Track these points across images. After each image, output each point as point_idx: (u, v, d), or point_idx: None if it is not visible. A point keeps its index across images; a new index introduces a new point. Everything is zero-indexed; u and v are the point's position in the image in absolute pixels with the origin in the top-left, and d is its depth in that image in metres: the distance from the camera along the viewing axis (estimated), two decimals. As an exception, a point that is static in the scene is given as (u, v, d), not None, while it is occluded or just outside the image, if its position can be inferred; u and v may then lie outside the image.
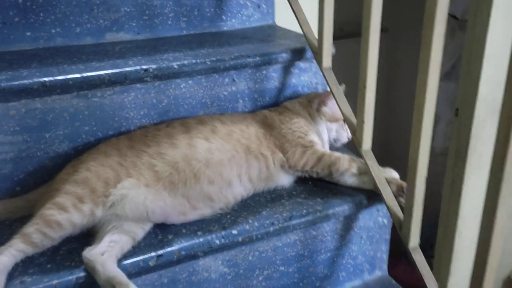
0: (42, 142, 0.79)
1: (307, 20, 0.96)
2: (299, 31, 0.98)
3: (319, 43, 0.89)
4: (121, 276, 0.61)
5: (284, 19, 1.18)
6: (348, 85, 0.92)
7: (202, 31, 1.09)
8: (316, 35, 0.91)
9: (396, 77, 1.94)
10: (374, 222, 0.86)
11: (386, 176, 0.80)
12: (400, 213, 0.75)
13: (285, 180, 0.84)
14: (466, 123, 0.53)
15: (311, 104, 0.93)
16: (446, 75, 1.90)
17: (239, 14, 1.12)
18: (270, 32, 1.11)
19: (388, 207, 0.77)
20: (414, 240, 0.74)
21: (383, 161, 0.82)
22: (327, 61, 0.90)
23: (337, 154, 0.84)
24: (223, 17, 1.11)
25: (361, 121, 0.80)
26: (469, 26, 0.50)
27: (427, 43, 0.58)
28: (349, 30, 1.77)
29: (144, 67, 0.81)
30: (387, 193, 0.79)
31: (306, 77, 1.00)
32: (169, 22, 1.05)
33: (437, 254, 0.64)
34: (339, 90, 0.88)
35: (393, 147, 1.96)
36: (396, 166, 0.84)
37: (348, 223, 0.83)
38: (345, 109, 0.86)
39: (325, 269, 0.85)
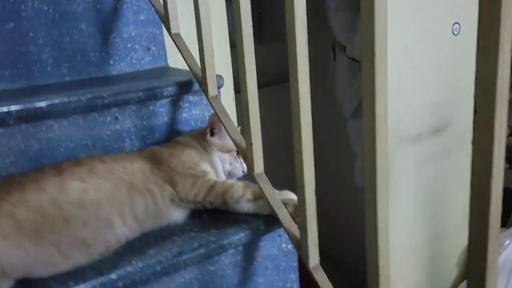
0: None
1: (191, 54, 0.95)
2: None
3: (203, 73, 0.88)
4: None
5: (179, 60, 1.17)
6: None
7: (88, 76, 1.04)
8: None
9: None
10: (277, 250, 0.81)
11: (282, 198, 0.77)
12: (298, 233, 0.71)
13: (177, 215, 0.78)
14: (371, 155, 0.49)
15: (203, 135, 0.89)
16: (354, 113, 1.99)
17: (128, 58, 1.09)
18: (161, 72, 1.09)
19: (285, 229, 0.73)
20: (313, 259, 0.70)
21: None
22: (212, 89, 0.88)
23: (230, 181, 0.80)
24: (111, 61, 1.07)
25: (249, 144, 0.78)
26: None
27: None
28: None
29: (4, 109, 0.74)
30: (283, 215, 0.75)
31: (198, 110, 0.97)
32: (49, 69, 0.99)
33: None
34: (228, 117, 0.86)
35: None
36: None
37: (249, 252, 0.78)
38: (234, 135, 0.83)
39: (231, 309, 0.77)
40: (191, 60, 0.94)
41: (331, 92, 2.18)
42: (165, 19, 0.99)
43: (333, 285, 0.67)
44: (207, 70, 0.87)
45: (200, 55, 0.87)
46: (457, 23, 1.91)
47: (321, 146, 2.27)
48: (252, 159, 0.78)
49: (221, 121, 0.85)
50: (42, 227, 0.63)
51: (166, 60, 1.16)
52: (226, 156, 0.88)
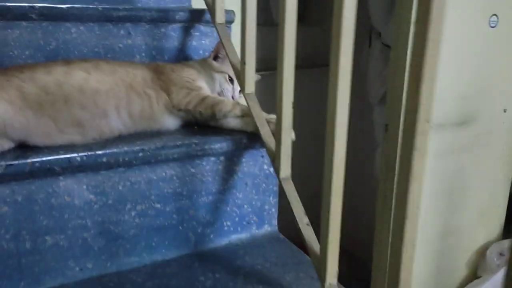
0: None
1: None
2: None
3: (213, 1, 0.93)
4: None
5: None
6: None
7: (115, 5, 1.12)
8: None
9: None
10: (259, 170, 0.86)
11: (267, 117, 0.82)
12: (274, 147, 0.76)
13: (169, 122, 0.84)
14: (394, 136, 0.50)
15: (205, 60, 0.95)
16: (381, 100, 1.99)
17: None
18: (179, 6, 1.15)
19: (265, 143, 0.78)
20: (285, 170, 0.74)
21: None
22: (220, 17, 0.93)
23: (221, 97, 0.85)
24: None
25: (243, 64, 0.83)
26: (392, 49, 0.50)
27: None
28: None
29: (29, 4, 0.82)
30: (265, 132, 0.80)
31: (208, 41, 1.03)
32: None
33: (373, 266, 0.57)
34: (230, 43, 0.91)
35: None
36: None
37: (230, 165, 0.83)
38: (232, 58, 0.89)
39: (208, 214, 0.83)
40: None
41: (360, 80, 2.19)
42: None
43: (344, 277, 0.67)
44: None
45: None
46: (495, 15, 1.87)
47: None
48: (244, 78, 0.83)
49: (223, 46, 0.90)
50: (44, 102, 0.71)
51: (190, 2, 1.21)
52: (221, 78, 0.93)
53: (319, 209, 0.62)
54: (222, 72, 0.92)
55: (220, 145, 0.79)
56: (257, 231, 0.89)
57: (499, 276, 2.08)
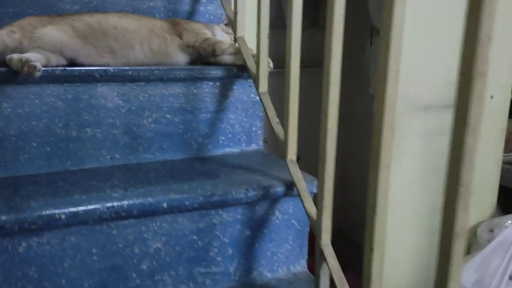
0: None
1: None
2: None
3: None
4: (30, 56, 0.85)
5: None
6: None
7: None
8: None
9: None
10: (247, 97, 1.11)
11: (252, 53, 1.07)
12: (255, 70, 1.01)
13: (181, 57, 1.11)
14: (380, 117, 0.56)
15: (212, 23, 1.21)
16: None
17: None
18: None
19: (249, 69, 1.03)
20: (263, 87, 0.99)
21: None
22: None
23: (220, 39, 1.12)
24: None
25: (235, 13, 1.09)
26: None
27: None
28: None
29: (79, -31, 1.11)
30: (250, 62, 1.05)
31: (212, 7, 1.30)
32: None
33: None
34: (229, 2, 1.18)
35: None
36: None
37: (224, 91, 1.08)
38: (227, 9, 1.15)
39: (206, 128, 1.08)
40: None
41: (365, 75, 2.43)
42: None
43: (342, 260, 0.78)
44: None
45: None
46: None
47: (350, 125, 2.52)
48: (236, 25, 1.09)
49: (222, 4, 1.17)
50: (89, 34, 0.99)
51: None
52: (224, 34, 1.19)
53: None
54: (228, 33, 1.18)
55: (215, 72, 1.05)
56: (246, 148, 1.13)
57: (488, 250, 2.24)
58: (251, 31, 1.07)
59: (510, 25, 2.16)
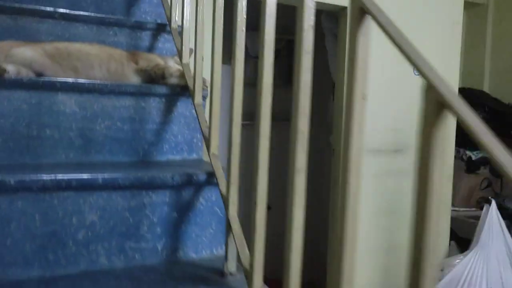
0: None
1: (169, 4, 1.54)
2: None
3: (170, 11, 1.46)
4: (3, 64, 1.05)
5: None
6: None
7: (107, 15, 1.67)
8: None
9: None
10: (189, 112, 1.31)
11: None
12: (192, 86, 1.22)
13: (134, 79, 1.32)
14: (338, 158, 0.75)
15: (168, 56, 1.45)
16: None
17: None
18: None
19: (189, 88, 1.24)
20: (198, 98, 1.20)
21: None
22: (174, 22, 1.45)
23: (168, 64, 1.34)
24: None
25: (181, 45, 1.32)
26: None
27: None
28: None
29: (54, 9, 1.35)
30: (191, 83, 1.26)
31: (168, 45, 1.54)
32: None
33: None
34: (178, 38, 1.42)
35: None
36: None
37: (169, 106, 1.28)
38: (177, 44, 1.39)
39: (152, 137, 1.26)
40: (166, 4, 1.52)
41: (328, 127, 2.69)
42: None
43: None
44: (172, 10, 1.45)
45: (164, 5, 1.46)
46: None
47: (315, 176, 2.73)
48: (182, 55, 1.32)
49: (174, 39, 1.41)
50: (56, 54, 1.21)
51: (161, 17, 1.76)
52: (176, 64, 1.42)
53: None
54: (179, 64, 1.41)
55: (161, 89, 1.26)
56: (187, 156, 1.31)
57: (438, 288, 2.35)
58: (207, 61, 1.28)
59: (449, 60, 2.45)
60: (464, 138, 2.90)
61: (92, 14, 1.41)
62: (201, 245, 1.08)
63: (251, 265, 0.82)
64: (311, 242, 2.85)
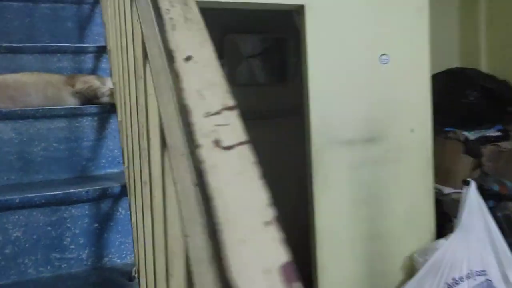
0: None
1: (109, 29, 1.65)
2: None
3: (108, 33, 1.56)
4: None
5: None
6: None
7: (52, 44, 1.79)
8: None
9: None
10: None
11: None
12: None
13: (71, 101, 1.44)
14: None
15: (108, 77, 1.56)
16: None
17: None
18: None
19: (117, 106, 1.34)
20: (121, 115, 1.29)
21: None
22: (108, 44, 1.55)
23: (101, 85, 1.44)
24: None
25: (111, 67, 1.42)
26: None
27: None
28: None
29: (-2, 43, 1.49)
30: (116, 100, 1.36)
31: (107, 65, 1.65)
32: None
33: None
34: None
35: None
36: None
37: (102, 123, 1.39)
38: (114, 71, 1.49)
39: (89, 153, 1.37)
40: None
41: None
42: None
43: None
44: (110, 40, 1.55)
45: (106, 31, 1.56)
46: (385, 54, 2.37)
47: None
48: (112, 75, 1.42)
49: (109, 60, 1.51)
50: (-6, 87, 1.33)
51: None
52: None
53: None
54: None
55: (92, 109, 1.36)
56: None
57: (421, 273, 2.37)
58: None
59: (426, 65, 2.45)
60: (462, 120, 2.87)
61: (37, 45, 1.54)
62: (126, 251, 1.18)
63: (139, 270, 0.90)
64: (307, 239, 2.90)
